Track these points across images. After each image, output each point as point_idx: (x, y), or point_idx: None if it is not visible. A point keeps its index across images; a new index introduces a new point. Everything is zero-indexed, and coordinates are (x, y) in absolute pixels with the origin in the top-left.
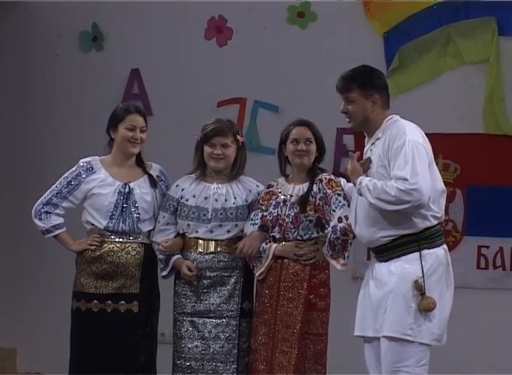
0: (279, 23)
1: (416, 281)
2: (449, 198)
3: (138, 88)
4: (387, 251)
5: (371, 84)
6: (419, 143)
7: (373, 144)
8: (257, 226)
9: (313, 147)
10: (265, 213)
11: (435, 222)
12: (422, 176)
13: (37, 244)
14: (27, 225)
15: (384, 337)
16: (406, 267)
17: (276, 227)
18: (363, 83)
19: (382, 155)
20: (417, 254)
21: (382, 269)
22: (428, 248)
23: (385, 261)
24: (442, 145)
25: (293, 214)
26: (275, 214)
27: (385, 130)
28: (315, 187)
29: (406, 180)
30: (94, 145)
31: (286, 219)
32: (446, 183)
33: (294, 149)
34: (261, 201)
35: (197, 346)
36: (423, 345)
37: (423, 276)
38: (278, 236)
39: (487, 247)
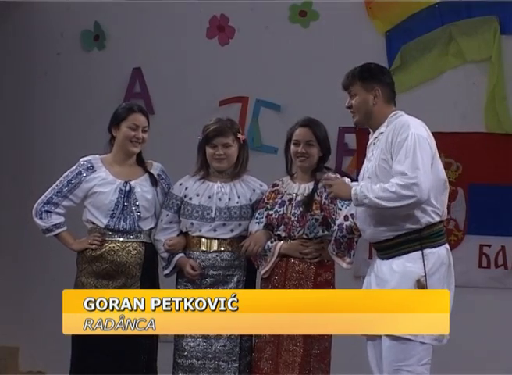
0: (280, 21)
1: (418, 280)
2: (451, 197)
3: (140, 87)
4: (389, 249)
5: (372, 78)
6: (422, 137)
7: (376, 138)
8: (262, 225)
9: (314, 149)
10: (271, 212)
11: (437, 218)
12: (423, 171)
13: (38, 243)
14: (30, 223)
15: (385, 335)
16: (408, 266)
17: (282, 226)
18: (363, 76)
19: (384, 149)
20: (419, 253)
21: (383, 267)
22: (431, 247)
23: (387, 259)
24: (444, 144)
25: (298, 213)
26: (281, 212)
27: (389, 125)
28: (321, 186)
29: (405, 174)
30: (96, 144)
31: (292, 218)
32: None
33: (295, 151)
34: (266, 200)
35: (199, 344)
36: (425, 344)
37: (425, 275)
38: (283, 234)
39: (489, 246)
